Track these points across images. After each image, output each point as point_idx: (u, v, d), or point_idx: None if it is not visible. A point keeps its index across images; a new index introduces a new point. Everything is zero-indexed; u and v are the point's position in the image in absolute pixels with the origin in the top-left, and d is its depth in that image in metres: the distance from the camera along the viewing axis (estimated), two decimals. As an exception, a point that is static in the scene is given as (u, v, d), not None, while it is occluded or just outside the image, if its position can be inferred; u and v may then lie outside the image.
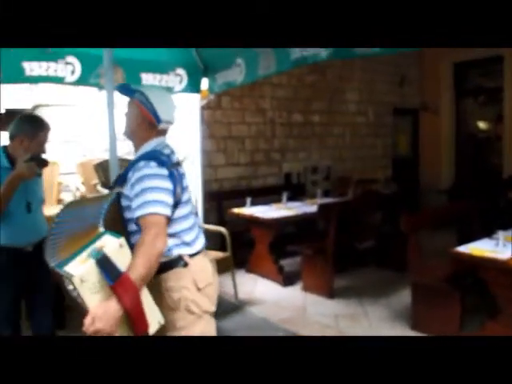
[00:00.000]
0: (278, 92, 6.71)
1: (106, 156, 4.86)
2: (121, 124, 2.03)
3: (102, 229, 1.74)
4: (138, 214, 1.74)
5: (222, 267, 4.64)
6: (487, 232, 3.49)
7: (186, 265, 1.92)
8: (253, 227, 5.27)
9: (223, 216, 5.82)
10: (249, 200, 5.50)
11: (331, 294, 4.56)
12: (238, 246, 4.81)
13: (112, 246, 1.64)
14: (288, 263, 5.42)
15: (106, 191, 4.17)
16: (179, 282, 1.90)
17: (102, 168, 4.48)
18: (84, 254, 1.61)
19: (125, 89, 2.06)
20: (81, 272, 1.55)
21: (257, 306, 4.49)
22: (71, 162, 5.25)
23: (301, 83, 6.95)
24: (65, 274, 1.55)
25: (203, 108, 5.70)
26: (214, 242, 5.31)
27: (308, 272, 4.80)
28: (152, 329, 1.68)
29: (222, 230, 4.71)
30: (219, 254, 4.69)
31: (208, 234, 5.48)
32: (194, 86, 4.47)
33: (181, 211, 1.91)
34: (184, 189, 1.93)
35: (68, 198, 5.05)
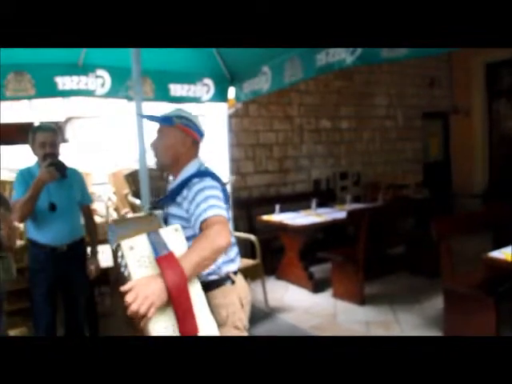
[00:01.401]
0: (306, 98, 6.71)
1: (136, 166, 4.96)
2: (156, 155, 2.04)
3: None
4: (202, 218, 1.75)
5: (251, 275, 4.66)
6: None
7: (233, 283, 1.99)
8: (282, 234, 5.27)
9: (253, 223, 5.83)
10: (278, 207, 5.51)
11: (362, 300, 4.52)
12: (267, 253, 4.83)
13: (167, 228, 1.64)
14: (318, 270, 5.40)
15: (137, 201, 4.26)
16: (226, 300, 1.95)
17: (132, 178, 4.56)
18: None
19: (163, 119, 2.04)
20: (131, 240, 1.55)
21: (287, 312, 4.48)
22: (103, 173, 5.37)
23: (328, 89, 6.93)
24: (117, 244, 1.55)
25: (230, 116, 5.74)
26: (243, 249, 5.32)
27: (338, 278, 4.77)
28: (203, 332, 1.57)
29: (252, 237, 4.72)
30: (249, 262, 4.70)
31: (238, 242, 5.53)
32: (221, 95, 4.52)
33: None
34: (228, 206, 1.99)
35: (100, 207, 5.16)
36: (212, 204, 1.77)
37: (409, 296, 4.67)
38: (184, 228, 1.76)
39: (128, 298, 1.42)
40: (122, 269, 1.53)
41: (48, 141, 2.91)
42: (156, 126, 2.09)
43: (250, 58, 3.90)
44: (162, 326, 1.49)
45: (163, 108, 5.25)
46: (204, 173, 1.93)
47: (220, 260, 1.88)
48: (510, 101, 8.25)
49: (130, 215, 2.10)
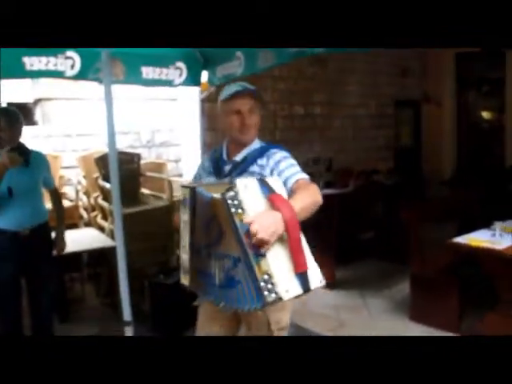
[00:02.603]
0: (279, 84, 6.69)
1: (107, 150, 4.90)
2: (246, 129, 2.06)
3: None
4: (298, 177, 1.89)
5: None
6: (487, 223, 3.49)
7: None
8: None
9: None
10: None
11: (332, 285, 4.58)
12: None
13: (270, 178, 1.73)
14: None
15: (107, 185, 4.21)
16: None
17: (102, 161, 4.50)
18: None
19: (259, 93, 2.14)
20: (245, 180, 1.64)
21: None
22: (73, 156, 5.29)
23: (302, 75, 6.93)
24: (229, 186, 1.58)
25: (203, 101, 5.70)
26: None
27: (309, 264, 4.82)
28: (311, 274, 1.62)
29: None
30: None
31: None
32: (193, 79, 4.47)
33: None
34: None
35: (70, 191, 5.09)
36: (300, 169, 1.94)
37: (378, 281, 4.76)
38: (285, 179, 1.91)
39: (253, 228, 1.49)
40: (234, 209, 1.56)
41: (9, 124, 2.86)
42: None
43: (223, 41, 3.87)
44: (278, 260, 1.55)
45: (134, 90, 5.21)
46: (276, 146, 2.08)
47: None
48: (480, 91, 8.41)
49: (208, 182, 2.04)
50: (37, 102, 5.65)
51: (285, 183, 1.85)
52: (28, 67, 3.57)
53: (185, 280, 1.85)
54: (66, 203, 4.53)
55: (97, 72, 3.86)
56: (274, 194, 1.63)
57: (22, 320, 3.00)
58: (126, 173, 4.47)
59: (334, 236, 4.56)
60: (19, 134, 2.93)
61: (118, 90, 4.38)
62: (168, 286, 3.82)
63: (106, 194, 4.51)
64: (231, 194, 1.57)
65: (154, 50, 4.09)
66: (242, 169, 2.01)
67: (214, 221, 1.67)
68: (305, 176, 1.92)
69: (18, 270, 2.91)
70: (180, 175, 6.05)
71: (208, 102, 5.89)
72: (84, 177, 5.11)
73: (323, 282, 1.66)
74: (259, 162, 1.99)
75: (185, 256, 1.83)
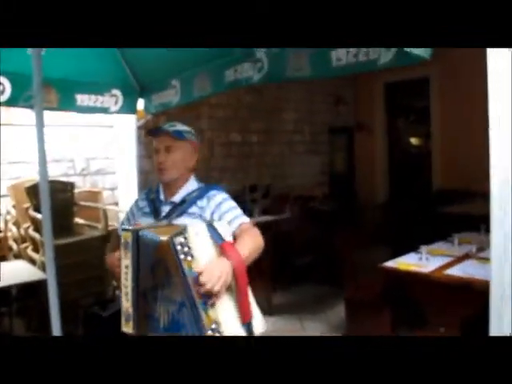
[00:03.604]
0: (216, 112, 6.78)
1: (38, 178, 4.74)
2: (162, 170, 2.03)
3: None
4: (240, 221, 1.92)
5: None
6: (417, 245, 3.65)
7: None
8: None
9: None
10: (187, 220, 5.48)
11: (270, 311, 4.62)
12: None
13: (221, 222, 1.81)
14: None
15: (39, 215, 4.07)
16: None
17: (34, 191, 4.36)
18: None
19: (176, 133, 2.06)
20: (196, 227, 1.68)
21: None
22: (2, 185, 5.07)
23: (239, 103, 7.05)
24: (178, 231, 1.61)
25: (139, 128, 5.66)
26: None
27: (247, 290, 4.83)
28: (256, 323, 1.75)
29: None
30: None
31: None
32: (129, 107, 4.45)
33: None
34: None
35: (-2, 222, 4.87)
36: (241, 212, 1.97)
37: (315, 305, 4.84)
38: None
39: (203, 279, 1.55)
40: (182, 255, 1.58)
41: None
42: (150, 138, 2.19)
43: (158, 70, 3.89)
44: (226, 309, 1.64)
45: (69, 117, 5.10)
46: (215, 187, 2.08)
47: None
48: (408, 118, 8.85)
49: (152, 223, 1.95)
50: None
51: (230, 224, 1.89)
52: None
53: (127, 328, 1.77)
54: (-7, 234, 4.34)
55: (28, 99, 3.77)
56: (225, 241, 1.69)
57: None
58: (59, 202, 4.35)
59: (270, 261, 4.61)
60: None
61: (51, 116, 4.29)
62: (103, 317, 3.71)
63: (37, 225, 4.35)
64: (181, 239, 1.59)
65: (90, 77, 4.06)
66: (181, 210, 1.99)
67: (160, 264, 1.66)
68: (246, 219, 1.95)
69: None
70: (116, 203, 5.93)
71: (144, 130, 5.87)
72: (14, 206, 4.91)
73: (265, 328, 1.79)
74: (199, 203, 1.98)
75: (127, 303, 1.76)
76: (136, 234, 1.72)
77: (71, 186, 4.90)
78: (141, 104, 4.47)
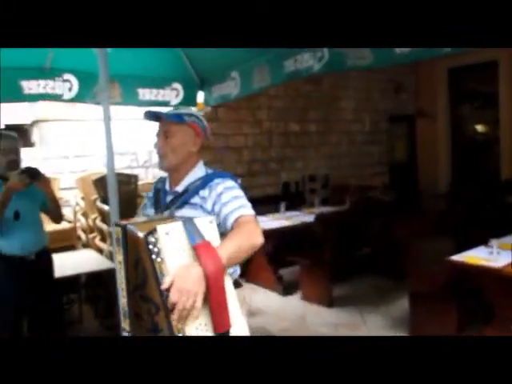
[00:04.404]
0: (275, 102, 6.77)
1: (105, 171, 4.92)
2: (162, 156, 1.89)
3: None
4: (236, 215, 1.69)
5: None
6: (484, 239, 3.51)
7: (240, 286, 1.94)
8: (251, 237, 5.30)
9: (222, 227, 5.83)
10: (247, 210, 5.52)
11: (330, 303, 4.59)
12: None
13: (202, 219, 1.55)
14: (287, 273, 5.45)
15: (106, 207, 4.23)
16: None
17: (101, 183, 4.52)
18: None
19: (173, 116, 1.91)
20: (167, 226, 1.47)
21: (256, 315, 4.52)
22: (71, 177, 5.31)
23: (297, 93, 7.01)
24: (150, 230, 1.44)
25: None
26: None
27: (306, 281, 4.83)
28: (234, 327, 1.51)
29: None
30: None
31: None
32: (189, 100, 4.52)
33: None
34: None
35: (68, 213, 5.09)
36: (243, 203, 1.74)
37: (376, 298, 4.76)
38: (223, 217, 1.74)
39: (172, 298, 1.36)
40: (154, 256, 1.43)
41: (11, 148, 2.87)
42: (158, 124, 1.96)
43: (218, 62, 3.92)
44: (194, 325, 1.43)
45: (133, 111, 5.24)
46: (224, 174, 1.88)
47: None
48: (473, 105, 8.50)
49: (145, 218, 1.83)
50: (34, 123, 5.68)
51: (225, 220, 1.71)
52: (26, 91, 3.62)
53: (125, 325, 1.66)
54: (64, 225, 4.54)
55: (94, 94, 3.91)
56: (201, 242, 1.45)
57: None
58: (123, 194, 4.48)
59: (330, 254, 4.58)
60: (19, 155, 2.95)
61: (114, 110, 4.43)
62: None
63: (104, 216, 4.52)
64: (152, 239, 1.44)
65: (151, 72, 4.15)
66: (183, 200, 1.84)
67: (140, 262, 1.52)
68: (247, 212, 1.71)
69: (23, 296, 2.86)
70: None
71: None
72: (82, 198, 5.13)
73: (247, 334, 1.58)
74: (201, 193, 1.82)
75: (123, 300, 1.66)
76: (124, 229, 1.59)
77: (135, 178, 5.04)
78: (201, 97, 4.52)
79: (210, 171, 1.92)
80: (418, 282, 3.74)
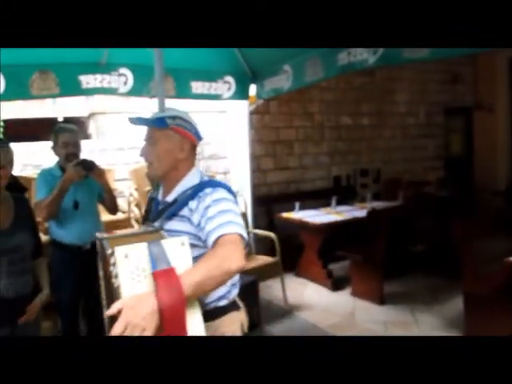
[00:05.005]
0: (326, 95, 6.68)
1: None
2: (149, 164, 1.76)
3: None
4: (217, 234, 1.50)
5: (271, 272, 4.69)
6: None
7: (239, 308, 1.81)
8: (301, 232, 5.29)
9: (272, 220, 5.85)
10: (297, 205, 5.51)
11: (381, 300, 4.51)
12: (286, 251, 4.84)
13: (172, 240, 1.41)
14: (337, 268, 5.39)
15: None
16: (233, 327, 1.76)
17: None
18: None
19: (154, 121, 1.76)
20: (127, 247, 1.32)
21: (306, 311, 4.50)
22: (125, 169, 5.44)
23: (349, 86, 6.89)
24: (111, 251, 1.32)
25: (251, 113, 5.76)
26: (263, 246, 5.35)
27: (357, 277, 4.77)
28: None
29: (271, 234, 4.74)
30: (268, 259, 4.73)
31: (257, 239, 5.57)
32: (242, 93, 4.53)
33: None
34: None
35: (122, 203, 5.23)
36: (229, 220, 1.53)
37: (428, 296, 4.64)
38: (192, 247, 1.52)
39: (115, 330, 1.22)
40: (113, 279, 1.31)
41: (70, 141, 2.97)
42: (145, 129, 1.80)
43: (271, 56, 3.90)
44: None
45: (184, 105, 5.30)
46: (215, 183, 1.69)
47: (229, 282, 1.69)
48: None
49: (128, 231, 1.66)
50: (90, 116, 5.85)
51: (207, 238, 1.54)
52: (84, 85, 3.73)
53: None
54: (118, 215, 4.66)
55: (148, 88, 3.98)
56: (161, 269, 1.31)
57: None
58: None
59: (382, 250, 4.49)
60: (79, 148, 3.05)
61: (167, 103, 4.49)
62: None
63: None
64: (112, 259, 1.31)
65: (204, 65, 4.19)
66: (171, 212, 1.67)
67: (110, 278, 1.39)
68: (231, 230, 1.50)
69: (80, 283, 2.96)
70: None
71: (256, 115, 5.95)
72: (136, 189, 5.25)
73: None
74: (190, 204, 1.64)
75: (105, 312, 1.54)
76: (100, 243, 1.49)
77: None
78: (253, 90, 4.53)
79: (206, 178, 1.75)
80: (474, 283, 3.61)
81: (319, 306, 4.60)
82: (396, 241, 4.80)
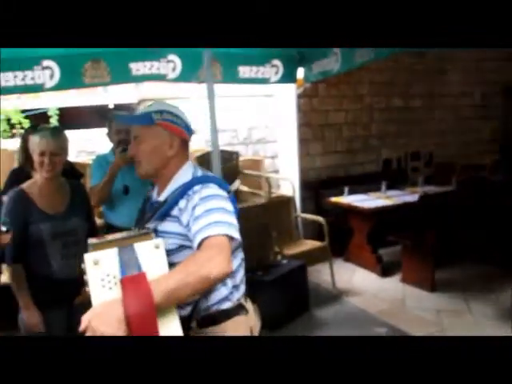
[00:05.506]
0: (376, 77, 6.51)
1: (207, 148, 5.05)
2: (138, 163, 1.68)
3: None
4: (200, 237, 1.41)
5: (319, 256, 4.67)
6: None
7: (247, 312, 1.69)
8: (351, 216, 5.22)
9: (321, 205, 5.80)
10: (346, 189, 5.45)
11: (432, 287, 4.41)
12: (335, 236, 4.80)
13: (146, 243, 1.36)
14: (387, 253, 5.30)
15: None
16: (238, 332, 1.63)
17: (203, 160, 4.64)
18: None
19: (139, 118, 1.70)
20: (96, 254, 1.29)
21: (354, 296, 4.46)
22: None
23: (399, 66, 6.68)
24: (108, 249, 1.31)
25: (299, 96, 5.69)
26: (311, 231, 5.34)
27: (408, 263, 4.68)
28: None
29: (320, 219, 4.72)
30: (317, 244, 4.71)
31: (305, 224, 5.55)
32: (289, 76, 4.47)
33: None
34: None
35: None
36: (216, 220, 1.43)
37: (481, 285, 4.50)
38: (184, 248, 1.51)
39: (87, 331, 1.21)
40: (87, 288, 1.27)
41: (123, 128, 3.03)
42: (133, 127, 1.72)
43: (320, 38, 3.83)
44: None
45: (231, 88, 5.30)
46: (206, 178, 1.60)
47: (230, 283, 1.62)
48: None
49: (118, 235, 1.50)
50: (140, 102, 5.94)
51: (193, 239, 1.45)
52: (134, 72, 3.79)
53: None
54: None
55: (197, 73, 4.00)
56: (129, 275, 1.26)
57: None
58: (225, 170, 4.58)
59: (434, 235, 4.38)
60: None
61: (215, 88, 4.51)
62: (267, 282, 3.88)
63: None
64: (83, 266, 1.27)
65: (251, 49, 4.16)
66: (162, 212, 1.58)
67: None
68: (217, 232, 1.41)
69: None
70: (276, 171, 6.10)
71: (304, 98, 5.89)
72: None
73: None
74: (180, 203, 1.55)
75: None
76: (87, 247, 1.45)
77: (236, 155, 5.13)
78: (300, 73, 4.47)
79: (199, 174, 1.65)
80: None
81: (368, 291, 4.56)
82: (449, 227, 4.66)
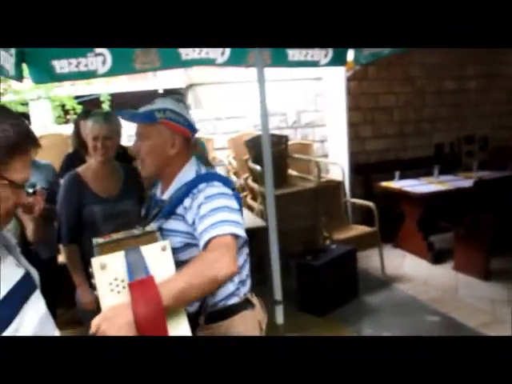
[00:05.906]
0: (428, 58, 6.30)
1: (256, 132, 5.06)
2: (141, 162, 1.68)
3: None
4: (206, 237, 1.42)
5: (368, 242, 4.62)
6: None
7: (253, 307, 1.70)
8: (401, 202, 5.12)
9: (370, 190, 5.71)
10: (397, 173, 5.34)
11: (487, 275, 4.28)
12: (385, 221, 4.72)
13: (152, 246, 1.35)
14: (438, 240, 5.17)
15: (257, 167, 4.35)
16: (248, 327, 1.65)
17: (252, 144, 4.65)
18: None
19: (142, 116, 1.65)
20: (104, 258, 1.29)
21: (404, 282, 4.39)
22: (224, 138, 5.55)
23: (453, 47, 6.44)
24: (114, 251, 1.32)
25: (349, 79, 5.59)
26: (360, 216, 5.27)
27: (461, 251, 4.55)
28: None
29: (370, 204, 4.65)
30: (366, 229, 4.66)
31: (355, 208, 5.50)
32: (339, 59, 4.38)
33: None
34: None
35: (221, 171, 5.36)
36: (221, 219, 1.44)
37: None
38: (190, 246, 1.53)
39: (97, 333, 1.21)
40: (95, 292, 1.28)
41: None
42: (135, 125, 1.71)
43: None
44: None
45: (279, 72, 5.26)
46: (210, 176, 1.61)
47: (236, 279, 1.63)
48: None
49: (123, 234, 1.48)
50: (188, 87, 5.99)
51: (199, 239, 1.46)
52: (183, 57, 3.81)
53: None
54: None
55: (246, 57, 3.98)
56: (139, 279, 1.25)
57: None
58: (274, 154, 4.56)
59: (489, 222, 4.24)
60: None
61: (268, 72, 4.50)
62: (316, 267, 3.87)
63: (255, 176, 4.67)
64: (90, 270, 1.27)
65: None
66: (167, 211, 1.59)
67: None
68: (223, 231, 1.41)
69: None
70: (326, 155, 6.05)
71: (354, 81, 5.78)
72: (234, 158, 5.35)
73: None
74: (185, 202, 1.55)
75: None
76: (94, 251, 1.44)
77: (286, 139, 5.11)
78: (350, 55, 4.38)
79: (202, 171, 1.65)
80: None
81: (419, 278, 4.47)
82: (505, 214, 4.49)
